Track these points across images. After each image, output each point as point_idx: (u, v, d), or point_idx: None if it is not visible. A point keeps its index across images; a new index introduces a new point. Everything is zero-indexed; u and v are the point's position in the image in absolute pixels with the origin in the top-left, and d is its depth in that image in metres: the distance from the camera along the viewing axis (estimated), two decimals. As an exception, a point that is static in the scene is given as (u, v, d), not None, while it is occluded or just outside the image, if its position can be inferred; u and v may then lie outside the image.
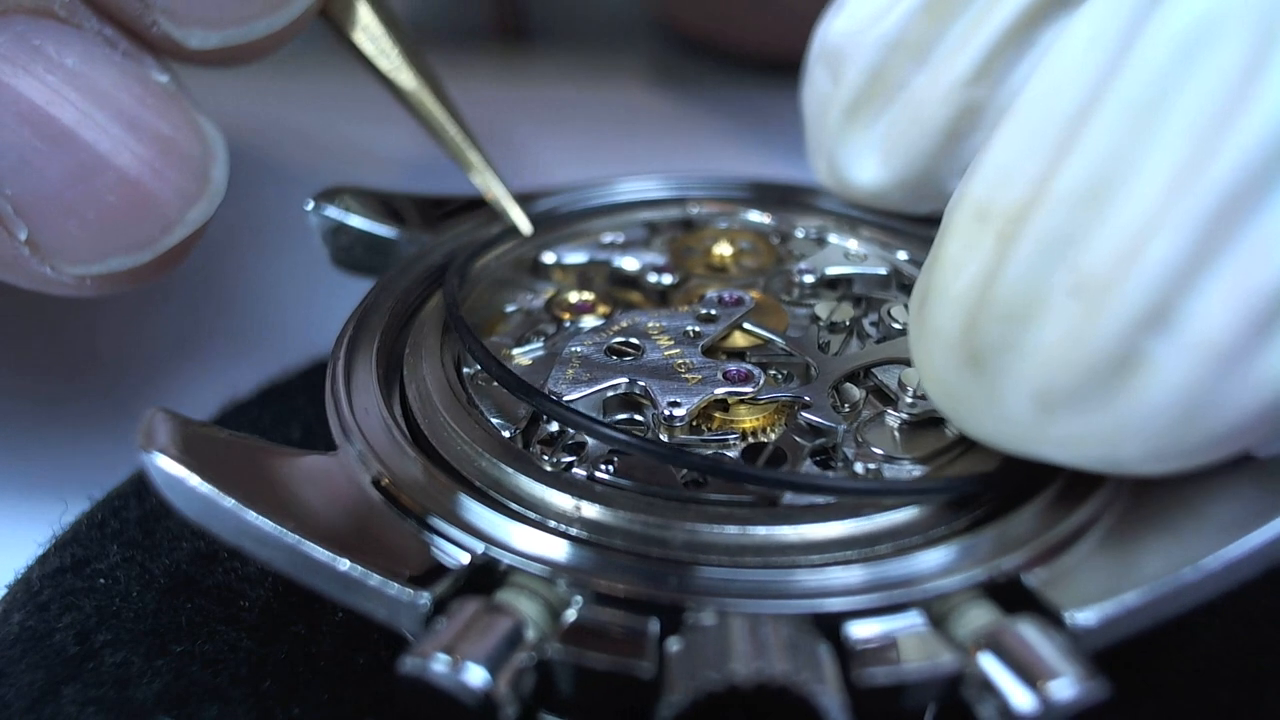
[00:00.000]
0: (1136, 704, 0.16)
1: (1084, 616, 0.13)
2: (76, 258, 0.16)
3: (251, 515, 0.14)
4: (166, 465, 0.14)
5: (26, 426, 0.22)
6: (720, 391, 0.16)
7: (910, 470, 0.15)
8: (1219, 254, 0.12)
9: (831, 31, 0.21)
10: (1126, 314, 0.12)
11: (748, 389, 0.16)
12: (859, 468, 0.15)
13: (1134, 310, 0.12)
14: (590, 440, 0.16)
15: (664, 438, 0.16)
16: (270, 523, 0.14)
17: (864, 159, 0.21)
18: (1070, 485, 0.15)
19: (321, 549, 0.13)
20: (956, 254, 0.14)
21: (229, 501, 0.14)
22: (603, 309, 0.20)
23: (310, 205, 0.22)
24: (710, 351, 0.18)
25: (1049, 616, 0.13)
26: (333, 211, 0.22)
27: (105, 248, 0.16)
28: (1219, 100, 0.12)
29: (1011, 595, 0.14)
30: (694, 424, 0.16)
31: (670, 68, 0.44)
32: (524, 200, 0.23)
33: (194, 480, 0.14)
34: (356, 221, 0.22)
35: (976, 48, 0.19)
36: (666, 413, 0.16)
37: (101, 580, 0.17)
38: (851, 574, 0.13)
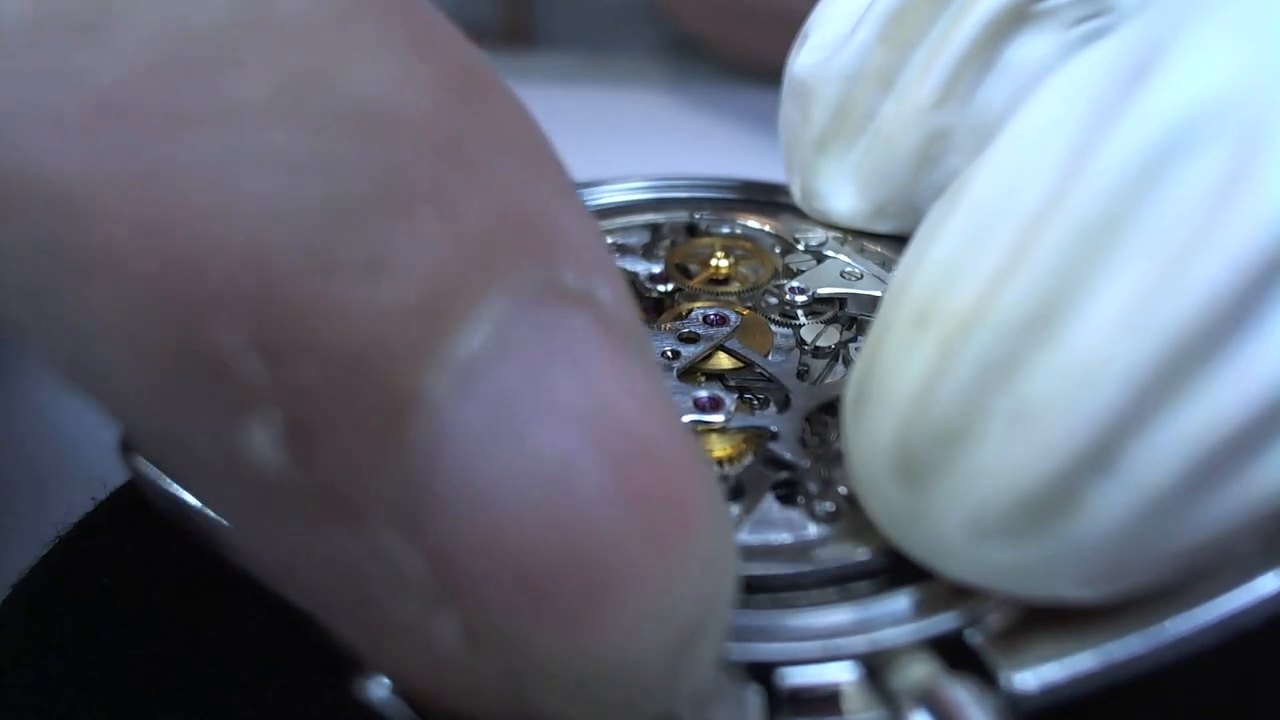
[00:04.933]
0: (1135, 704, 0.16)
1: (1022, 679, 0.13)
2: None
3: (215, 518, 0.14)
4: (147, 470, 0.14)
5: (29, 426, 0.23)
6: (687, 420, 0.16)
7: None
8: (1168, 400, 0.11)
9: (796, 67, 0.21)
10: (1066, 452, 0.11)
11: (717, 418, 0.16)
12: (819, 506, 0.15)
13: (1075, 448, 0.11)
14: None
15: (629, 462, 0.16)
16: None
17: (840, 189, 0.21)
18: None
19: (278, 561, 0.14)
20: (892, 357, 0.13)
21: (196, 503, 0.14)
22: (591, 319, 0.20)
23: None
24: (688, 374, 0.18)
25: (988, 677, 0.13)
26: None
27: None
28: (1185, 225, 0.11)
29: (956, 650, 0.14)
30: (660, 450, 0.16)
31: (680, 71, 0.43)
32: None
33: (165, 481, 0.14)
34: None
35: (939, 72, 0.19)
36: (632, 439, 0.16)
37: (105, 580, 0.17)
38: (790, 619, 0.13)
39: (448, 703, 0.10)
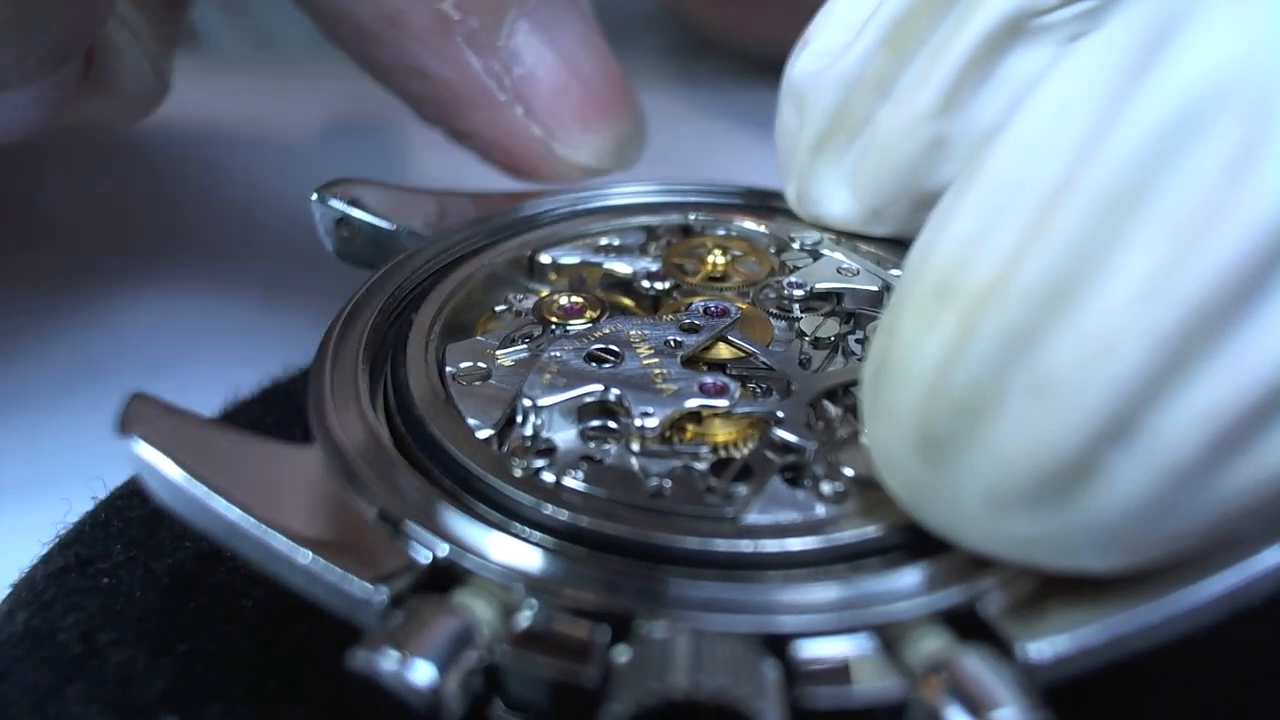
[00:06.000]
0: (1135, 702, 0.16)
1: (1036, 649, 0.13)
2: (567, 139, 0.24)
3: (220, 504, 0.14)
4: (142, 451, 0.14)
5: (29, 426, 0.23)
6: (692, 404, 0.16)
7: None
8: (1186, 372, 0.11)
9: (795, 72, 0.21)
10: (1087, 423, 0.11)
11: (722, 402, 0.16)
12: (826, 487, 0.15)
13: (1095, 420, 0.11)
14: (561, 445, 0.16)
15: (635, 447, 0.16)
16: (237, 512, 0.14)
17: (834, 193, 0.22)
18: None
19: (284, 541, 0.14)
20: (912, 331, 0.13)
21: (199, 489, 0.14)
22: (591, 314, 0.20)
23: (314, 197, 0.22)
24: (691, 362, 0.18)
25: (1003, 647, 0.13)
26: (336, 203, 0.22)
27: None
28: (1200, 198, 0.11)
29: (969, 622, 0.14)
30: (666, 435, 0.16)
31: (684, 72, 0.43)
32: (527, 199, 0.23)
33: (167, 467, 0.14)
34: (359, 214, 0.22)
35: (937, 81, 0.19)
36: (638, 423, 0.16)
37: (105, 579, 0.17)
38: (805, 593, 0.13)
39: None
